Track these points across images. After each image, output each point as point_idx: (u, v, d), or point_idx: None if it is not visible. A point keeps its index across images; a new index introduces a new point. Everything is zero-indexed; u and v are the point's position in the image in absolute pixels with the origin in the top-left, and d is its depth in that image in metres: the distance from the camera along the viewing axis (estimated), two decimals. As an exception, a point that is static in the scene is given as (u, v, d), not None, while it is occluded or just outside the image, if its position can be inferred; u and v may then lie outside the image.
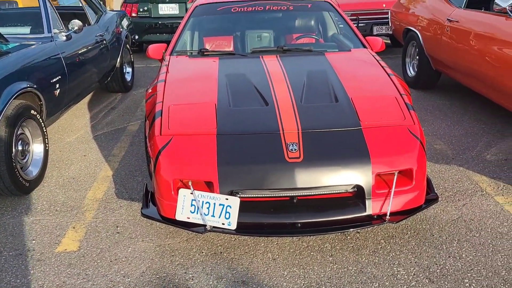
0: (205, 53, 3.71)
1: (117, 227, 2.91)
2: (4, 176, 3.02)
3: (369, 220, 2.49)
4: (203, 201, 2.44)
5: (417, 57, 5.75)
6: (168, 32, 8.16)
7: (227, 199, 2.41)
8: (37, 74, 3.54)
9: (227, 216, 2.41)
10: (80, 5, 5.22)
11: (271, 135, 2.59)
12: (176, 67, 3.47)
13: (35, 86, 3.41)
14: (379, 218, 2.50)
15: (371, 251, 2.60)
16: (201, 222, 2.45)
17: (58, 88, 3.82)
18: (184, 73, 3.37)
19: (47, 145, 3.56)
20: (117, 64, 5.62)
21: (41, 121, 3.48)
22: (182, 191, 2.46)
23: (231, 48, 3.95)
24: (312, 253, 2.59)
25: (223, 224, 2.42)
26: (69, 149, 4.19)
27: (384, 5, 7.45)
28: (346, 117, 2.72)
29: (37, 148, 3.47)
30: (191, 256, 2.58)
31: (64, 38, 4.19)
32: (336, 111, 2.78)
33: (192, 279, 2.41)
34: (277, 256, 2.57)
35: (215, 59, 3.59)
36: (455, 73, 4.97)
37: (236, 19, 4.09)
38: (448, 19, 4.85)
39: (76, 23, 4.31)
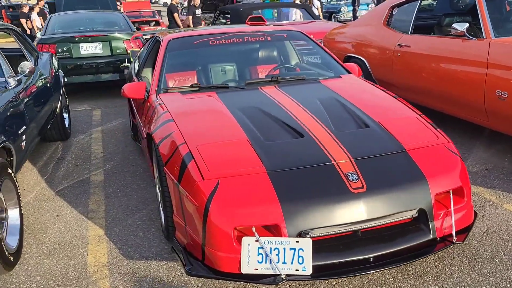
0: (197, 89, 3.44)
1: (147, 293, 2.49)
2: (-10, 253, 2.44)
3: (434, 244, 2.42)
4: (270, 248, 2.18)
5: (362, 82, 5.98)
6: (93, 73, 7.58)
7: (297, 241, 2.18)
8: (5, 126, 2.98)
9: (300, 261, 2.18)
10: (18, 46, 4.60)
11: (325, 166, 2.43)
12: (176, 105, 3.15)
13: (5, 139, 2.86)
14: (442, 240, 2.44)
15: (433, 276, 2.52)
16: (271, 271, 2.18)
17: (24, 140, 3.27)
18: (189, 111, 3.07)
19: (21, 208, 2.98)
20: (57, 110, 5.02)
21: (15, 181, 2.91)
22: (245, 240, 2.17)
23: (219, 82, 3.71)
24: (378, 287, 2.44)
25: (297, 270, 2.18)
26: (33, 210, 3.57)
27: (312, 36, 7.70)
28: (386, 141, 2.65)
29: (12, 214, 2.89)
30: (255, 313, 2.28)
31: (16, 83, 3.62)
32: (373, 136, 2.70)
33: None
34: (346, 297, 2.38)
35: (211, 94, 3.34)
36: (407, 93, 5.22)
37: (217, 52, 3.88)
38: (398, 45, 5.13)
39: (26, 65, 3.76)
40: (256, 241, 2.18)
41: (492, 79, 3.83)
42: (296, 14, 9.18)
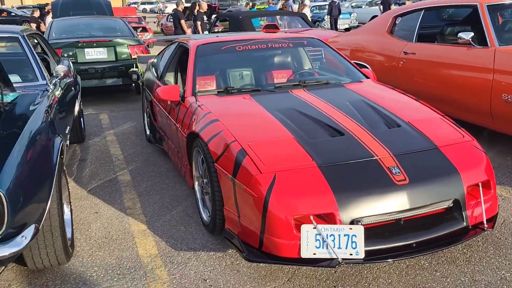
0: (231, 91, 3.65)
1: (205, 280, 2.67)
2: (57, 244, 2.58)
3: (467, 231, 2.67)
4: (327, 234, 2.39)
5: (365, 87, 6.27)
6: (97, 78, 7.69)
7: (351, 228, 2.40)
8: (59, 126, 3.13)
9: (353, 246, 2.40)
10: (40, 50, 4.72)
11: (369, 161, 2.66)
12: (217, 106, 3.35)
13: (61, 138, 3.01)
14: (473, 228, 2.69)
15: (464, 261, 2.77)
16: (328, 256, 2.39)
17: (68, 140, 3.41)
18: (231, 112, 3.27)
19: (71, 203, 3.13)
20: (76, 112, 5.13)
21: (67, 177, 3.06)
22: (304, 227, 2.39)
23: (248, 85, 3.92)
24: (417, 271, 2.68)
25: (351, 254, 2.40)
26: (71, 207, 3.69)
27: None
28: (418, 139, 2.90)
29: (65, 208, 3.03)
30: (310, 295, 2.49)
31: (53, 86, 3.76)
32: (406, 135, 2.95)
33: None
34: (390, 280, 2.60)
35: (246, 96, 3.55)
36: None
37: (244, 57, 4.09)
38: (403, 52, 5.44)
39: (61, 69, 3.90)
40: (314, 228, 2.39)
41: (499, 84, 4.15)
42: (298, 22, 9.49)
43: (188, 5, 18.20)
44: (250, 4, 19.84)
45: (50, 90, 3.55)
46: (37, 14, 11.96)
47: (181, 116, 3.63)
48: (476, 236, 2.73)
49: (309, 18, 13.46)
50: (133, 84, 8.28)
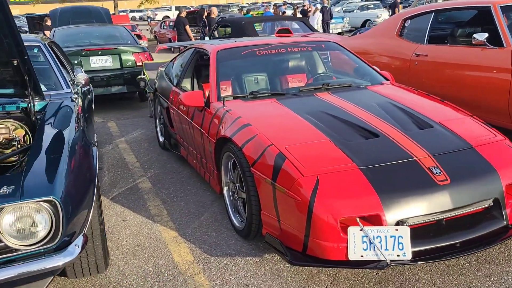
0: (256, 96, 3.64)
1: (247, 285, 2.64)
2: (98, 252, 2.55)
3: (507, 230, 2.68)
4: (373, 236, 2.39)
5: (374, 90, 6.30)
6: (103, 86, 7.64)
7: (397, 229, 2.40)
8: (88, 133, 3.10)
9: (400, 247, 2.39)
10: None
11: (409, 162, 2.66)
12: (246, 110, 3.34)
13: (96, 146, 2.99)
14: (513, 226, 2.71)
15: (504, 260, 2.78)
16: (375, 258, 2.39)
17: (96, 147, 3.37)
18: (261, 116, 3.26)
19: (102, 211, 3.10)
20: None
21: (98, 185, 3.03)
22: (351, 229, 2.38)
23: (270, 89, 3.92)
24: (459, 271, 2.68)
25: (398, 256, 2.39)
26: (96, 216, 3.66)
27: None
28: (453, 139, 2.91)
29: (98, 217, 3.00)
30: (357, 298, 2.48)
31: (75, 94, 3.73)
32: (440, 135, 2.96)
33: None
34: (433, 281, 2.60)
35: (272, 100, 3.55)
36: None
37: (264, 61, 4.09)
38: (415, 54, 5.47)
39: (82, 77, 3.88)
40: (360, 230, 2.38)
41: (517, 84, 4.19)
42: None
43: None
44: (244, 10, 19.94)
45: (75, 98, 3.52)
46: (49, 23, 11.92)
47: (206, 122, 3.61)
48: (518, 234, 2.73)
49: (320, 22, 13.52)
50: (137, 92, 8.26)
